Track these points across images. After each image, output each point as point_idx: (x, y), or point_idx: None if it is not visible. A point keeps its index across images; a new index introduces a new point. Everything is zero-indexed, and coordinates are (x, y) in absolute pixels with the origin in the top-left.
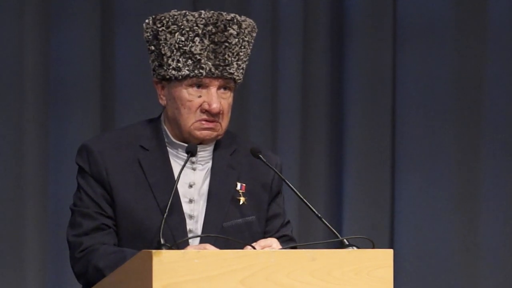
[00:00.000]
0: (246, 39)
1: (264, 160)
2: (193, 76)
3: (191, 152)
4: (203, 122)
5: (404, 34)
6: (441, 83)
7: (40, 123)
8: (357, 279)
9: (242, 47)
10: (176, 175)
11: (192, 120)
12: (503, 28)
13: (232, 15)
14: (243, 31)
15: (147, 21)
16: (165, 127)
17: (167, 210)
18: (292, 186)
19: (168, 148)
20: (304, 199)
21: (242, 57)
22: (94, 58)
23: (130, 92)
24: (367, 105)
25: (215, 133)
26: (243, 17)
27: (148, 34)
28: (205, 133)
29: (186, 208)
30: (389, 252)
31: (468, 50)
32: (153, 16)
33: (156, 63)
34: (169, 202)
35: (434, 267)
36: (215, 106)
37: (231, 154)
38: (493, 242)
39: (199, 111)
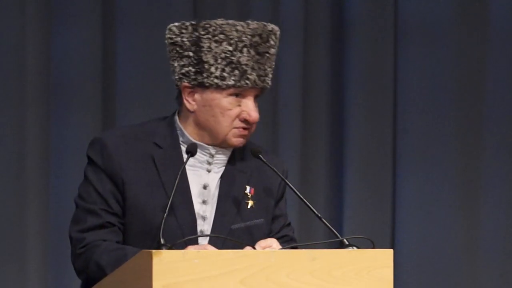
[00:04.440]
0: (277, 49)
1: (264, 160)
2: (238, 86)
3: (191, 152)
4: (241, 130)
5: (405, 33)
6: (442, 83)
7: (42, 123)
8: (357, 279)
9: (275, 56)
10: (189, 174)
11: (230, 128)
12: (504, 27)
13: (271, 26)
14: (277, 41)
15: (179, 25)
16: (181, 126)
17: (167, 211)
18: (292, 186)
19: (182, 147)
20: (304, 199)
21: (273, 66)
22: (95, 58)
23: (131, 91)
24: (368, 105)
25: (246, 140)
26: (276, 27)
27: (185, 39)
28: (240, 140)
29: (199, 208)
30: (389, 252)
31: (469, 49)
32: (193, 23)
33: (191, 68)
34: (169, 203)
35: (435, 267)
36: (255, 116)
37: (242, 158)
38: (494, 242)
39: (238, 120)
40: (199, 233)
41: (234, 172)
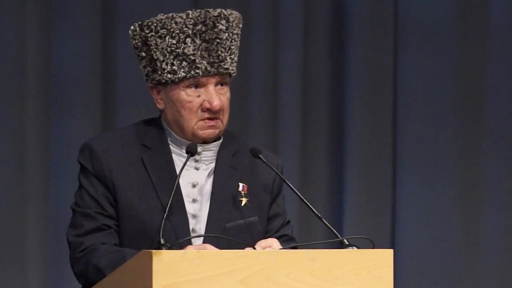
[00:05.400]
0: (235, 31)
1: (264, 160)
2: (190, 77)
3: (191, 152)
4: (206, 121)
5: (405, 33)
6: (442, 83)
7: (42, 123)
8: (357, 279)
9: (233, 41)
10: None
11: (194, 121)
12: (504, 27)
13: (219, 10)
14: (231, 24)
15: (132, 28)
16: (167, 127)
17: (167, 210)
18: (292, 186)
19: (171, 147)
20: (304, 199)
21: (234, 50)
22: (95, 58)
23: (131, 91)
24: (368, 105)
25: (217, 130)
26: (229, 11)
27: (137, 41)
28: (208, 132)
29: (190, 207)
30: (389, 252)
31: (469, 49)
32: (139, 23)
33: (149, 68)
34: (169, 203)
35: (435, 267)
36: (216, 103)
37: (233, 155)
38: (494, 241)
39: (200, 111)
40: (191, 233)
41: (225, 169)
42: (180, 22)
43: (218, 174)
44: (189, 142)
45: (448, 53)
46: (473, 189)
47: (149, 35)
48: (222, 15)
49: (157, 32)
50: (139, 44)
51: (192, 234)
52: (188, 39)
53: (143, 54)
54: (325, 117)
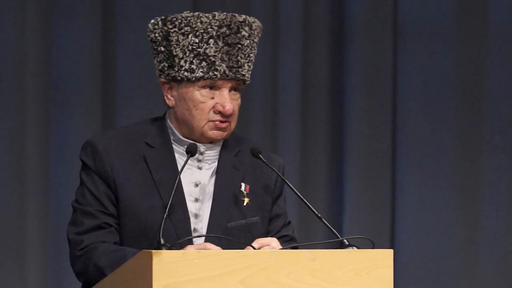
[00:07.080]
0: (255, 40)
1: (264, 160)
2: (207, 78)
3: (191, 152)
4: (217, 123)
5: (405, 34)
6: (441, 84)
7: (42, 122)
8: (357, 279)
9: (252, 49)
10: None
11: (204, 121)
12: (504, 28)
13: (244, 16)
14: (253, 32)
15: (153, 21)
16: (171, 125)
17: (167, 210)
18: (292, 187)
19: (174, 146)
20: (304, 199)
21: (252, 58)
22: (95, 58)
23: (131, 91)
24: (367, 105)
25: (225, 133)
26: (252, 18)
27: (156, 35)
28: (217, 133)
29: (192, 207)
30: (389, 252)
31: (468, 50)
32: (163, 17)
33: (165, 64)
34: (169, 202)
35: (435, 267)
36: (228, 107)
37: (236, 155)
38: (494, 241)
39: (212, 112)
40: (192, 232)
41: (227, 169)
42: (206, 22)
43: (220, 173)
44: (193, 142)
45: (448, 53)
46: (473, 189)
47: (171, 30)
48: (246, 22)
49: (180, 28)
50: (159, 38)
51: (194, 233)
52: (211, 40)
53: (162, 48)
54: (325, 118)
